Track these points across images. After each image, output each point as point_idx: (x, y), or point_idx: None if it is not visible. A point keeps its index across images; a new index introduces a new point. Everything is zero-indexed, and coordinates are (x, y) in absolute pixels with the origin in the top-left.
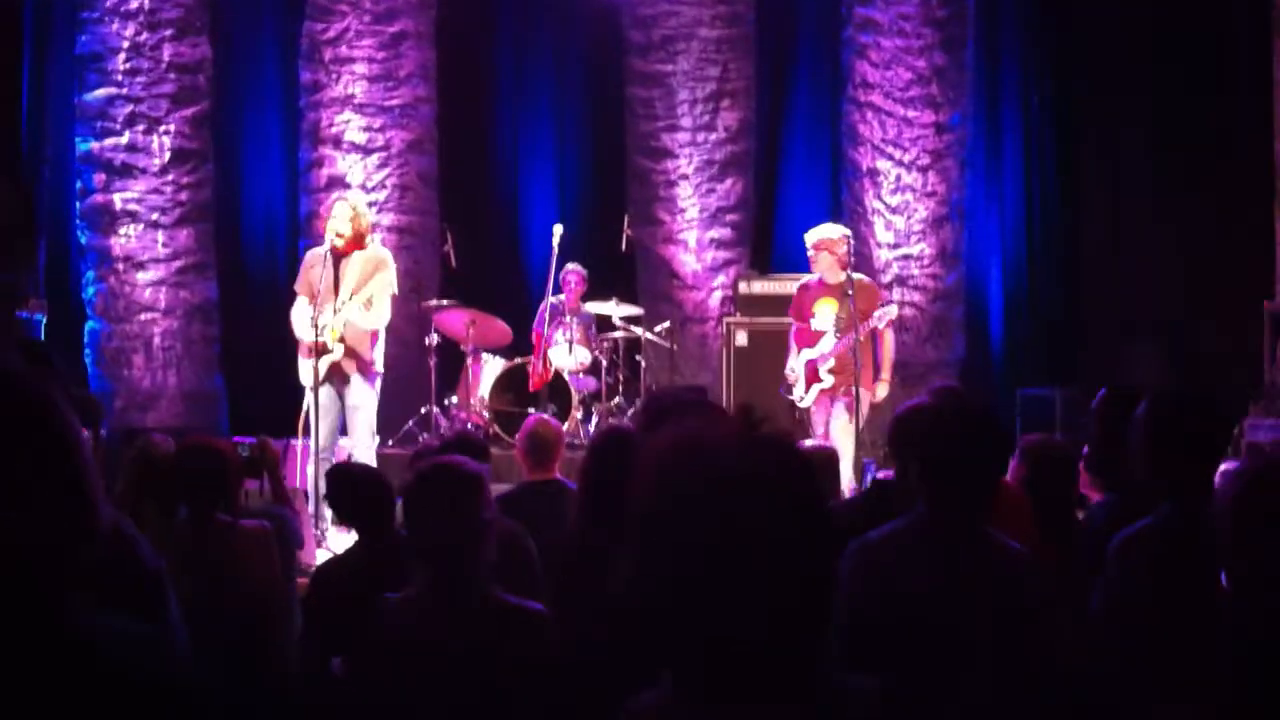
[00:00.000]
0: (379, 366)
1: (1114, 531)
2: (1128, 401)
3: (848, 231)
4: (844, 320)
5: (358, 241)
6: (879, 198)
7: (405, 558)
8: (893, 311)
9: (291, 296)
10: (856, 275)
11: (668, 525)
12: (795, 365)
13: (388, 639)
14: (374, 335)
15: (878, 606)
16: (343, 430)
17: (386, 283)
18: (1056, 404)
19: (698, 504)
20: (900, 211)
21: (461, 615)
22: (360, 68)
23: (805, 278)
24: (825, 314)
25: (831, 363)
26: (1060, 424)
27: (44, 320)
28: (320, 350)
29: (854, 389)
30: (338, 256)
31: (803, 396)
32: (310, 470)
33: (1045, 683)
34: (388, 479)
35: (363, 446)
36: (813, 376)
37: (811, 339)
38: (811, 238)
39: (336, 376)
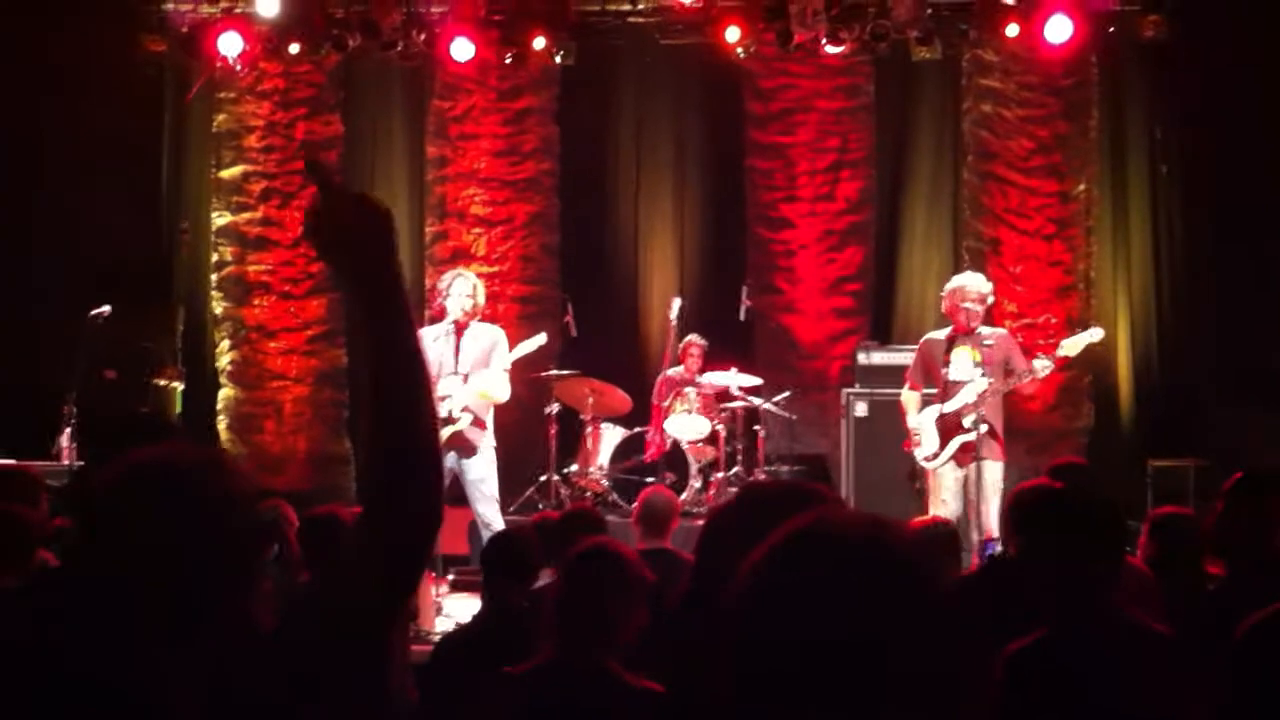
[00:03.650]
0: (494, 439)
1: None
2: (1262, 483)
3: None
4: (989, 368)
5: (474, 314)
6: (1002, 266)
7: (531, 628)
8: (1049, 367)
9: None
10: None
11: None
12: (920, 423)
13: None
14: (493, 408)
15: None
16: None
17: (506, 356)
18: (1190, 477)
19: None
20: (1024, 280)
21: (585, 692)
22: (485, 143)
23: (927, 335)
24: (964, 361)
25: (982, 412)
26: (1194, 497)
27: (182, 389)
28: (445, 422)
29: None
30: (459, 330)
31: (934, 455)
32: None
33: None
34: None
35: (495, 517)
36: (951, 430)
37: (948, 391)
38: (972, 288)
39: (457, 448)
